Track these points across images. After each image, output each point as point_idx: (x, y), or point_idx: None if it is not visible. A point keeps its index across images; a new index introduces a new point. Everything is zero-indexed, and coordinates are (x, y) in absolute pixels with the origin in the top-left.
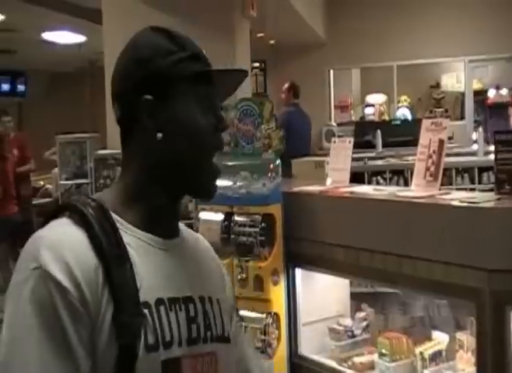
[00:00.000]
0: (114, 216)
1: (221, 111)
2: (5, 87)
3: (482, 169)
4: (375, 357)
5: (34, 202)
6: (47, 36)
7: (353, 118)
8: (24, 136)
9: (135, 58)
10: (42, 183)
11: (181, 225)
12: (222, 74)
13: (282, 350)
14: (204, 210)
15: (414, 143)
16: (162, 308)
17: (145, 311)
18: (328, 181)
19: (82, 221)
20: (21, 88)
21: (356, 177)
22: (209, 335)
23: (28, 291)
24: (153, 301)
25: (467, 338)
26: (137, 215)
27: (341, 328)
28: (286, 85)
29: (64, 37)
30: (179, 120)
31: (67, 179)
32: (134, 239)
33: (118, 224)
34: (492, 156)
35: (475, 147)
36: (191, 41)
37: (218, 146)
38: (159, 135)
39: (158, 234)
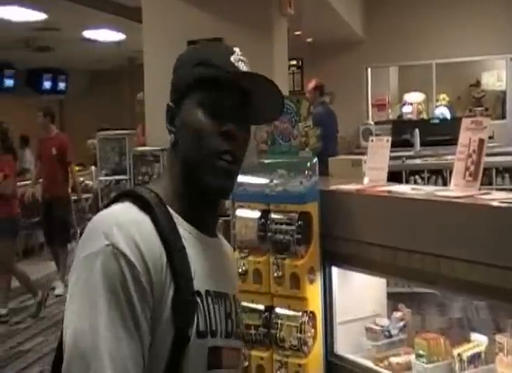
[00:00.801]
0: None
1: (232, 120)
2: (47, 85)
3: None
4: (412, 357)
5: (74, 198)
6: (88, 34)
7: (391, 117)
8: (65, 137)
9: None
10: (82, 178)
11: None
12: (260, 93)
13: (317, 349)
14: (241, 207)
15: (453, 142)
16: (209, 299)
17: (198, 299)
18: (366, 180)
19: (145, 207)
20: (62, 86)
21: (394, 176)
22: (237, 332)
23: (99, 266)
24: (203, 291)
25: (507, 341)
26: (182, 208)
27: (377, 328)
28: (312, 85)
29: (103, 35)
30: (185, 124)
31: (106, 175)
32: (183, 231)
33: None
34: None
35: None
36: (219, 50)
37: (221, 150)
38: (172, 138)
39: (201, 230)
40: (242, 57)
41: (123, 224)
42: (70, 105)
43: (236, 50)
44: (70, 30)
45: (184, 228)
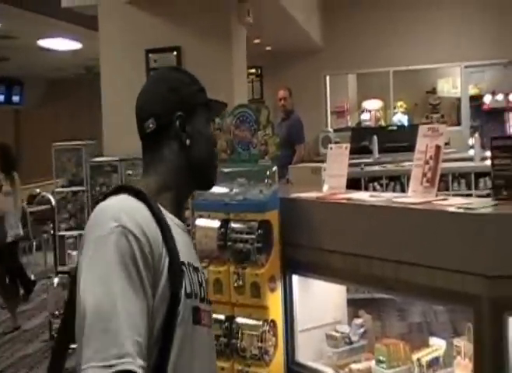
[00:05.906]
0: None
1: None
2: (1, 95)
3: (479, 175)
4: (372, 363)
5: (31, 210)
6: (43, 43)
7: (350, 124)
8: None
9: (169, 88)
10: (38, 190)
11: None
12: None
13: (279, 357)
14: (200, 216)
15: (410, 149)
16: (190, 268)
17: (184, 268)
18: (325, 187)
19: (140, 197)
20: (16, 96)
21: (353, 183)
22: (207, 298)
23: (112, 243)
24: (187, 263)
25: (464, 344)
26: (166, 201)
27: (338, 334)
28: (287, 92)
29: (59, 44)
30: (200, 133)
31: (63, 187)
32: (167, 218)
33: None
34: (488, 161)
35: (471, 152)
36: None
37: (217, 155)
38: (188, 141)
39: (179, 218)
40: None
41: (128, 210)
42: (26, 115)
43: None
44: (25, 39)
45: (166, 216)
